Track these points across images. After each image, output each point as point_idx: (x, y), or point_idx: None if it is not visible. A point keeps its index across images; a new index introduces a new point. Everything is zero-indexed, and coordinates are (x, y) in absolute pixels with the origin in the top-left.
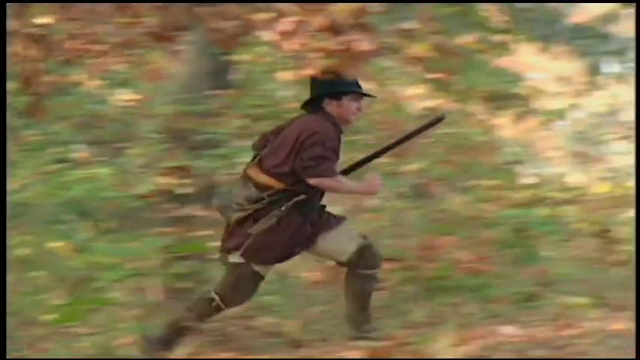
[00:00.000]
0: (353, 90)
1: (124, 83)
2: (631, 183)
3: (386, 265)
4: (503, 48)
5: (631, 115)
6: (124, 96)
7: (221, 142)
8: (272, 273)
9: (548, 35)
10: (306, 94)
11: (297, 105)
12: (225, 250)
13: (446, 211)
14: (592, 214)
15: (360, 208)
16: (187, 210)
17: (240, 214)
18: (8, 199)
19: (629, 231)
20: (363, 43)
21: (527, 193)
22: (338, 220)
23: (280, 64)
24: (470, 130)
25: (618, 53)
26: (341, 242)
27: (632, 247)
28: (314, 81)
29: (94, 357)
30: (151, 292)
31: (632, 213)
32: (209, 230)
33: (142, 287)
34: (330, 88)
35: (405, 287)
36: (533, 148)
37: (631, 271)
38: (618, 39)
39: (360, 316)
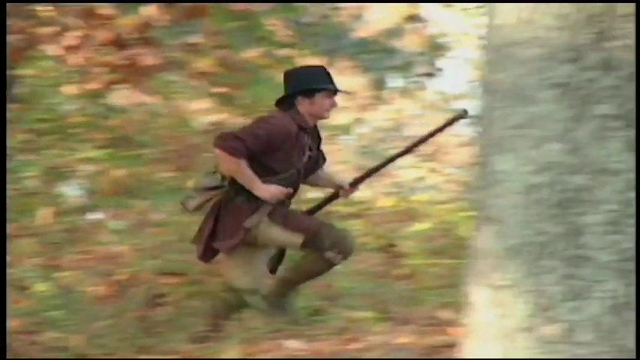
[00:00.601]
0: (325, 87)
1: None
2: (416, 197)
3: (170, 280)
4: (288, 62)
5: (416, 130)
6: None
7: None
8: (56, 288)
9: (333, 50)
10: (91, 108)
11: (83, 119)
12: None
13: None
14: (377, 228)
15: (146, 222)
16: None
17: (199, 200)
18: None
19: (414, 245)
20: (147, 58)
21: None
22: None
23: (65, 78)
24: None
25: (402, 68)
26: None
27: (417, 261)
28: (287, 77)
29: (95, 357)
30: None
31: (416, 227)
32: None
33: None
34: (303, 86)
35: (190, 302)
36: None
37: (415, 284)
38: (402, 53)
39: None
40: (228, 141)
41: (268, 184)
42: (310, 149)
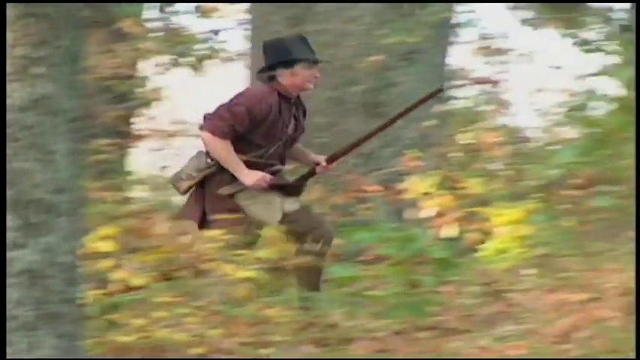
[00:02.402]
0: (305, 57)
1: None
2: None
3: None
4: None
5: None
6: None
7: None
8: None
9: None
10: None
11: None
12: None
13: None
14: None
15: None
16: None
17: (189, 183)
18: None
19: None
20: None
21: None
22: None
23: None
24: None
25: None
26: None
27: None
28: (266, 49)
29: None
30: None
31: None
32: None
33: None
34: (282, 57)
35: None
36: None
37: None
38: None
39: None
40: (211, 121)
41: (253, 171)
42: (296, 118)
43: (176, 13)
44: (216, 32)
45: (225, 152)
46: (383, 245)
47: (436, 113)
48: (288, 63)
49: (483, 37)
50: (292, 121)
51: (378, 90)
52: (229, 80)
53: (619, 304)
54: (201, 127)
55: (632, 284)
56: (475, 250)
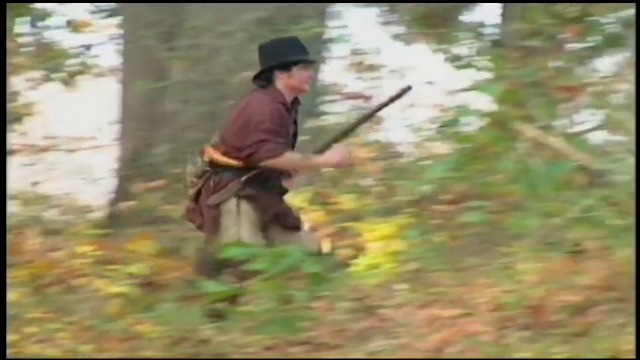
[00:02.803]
0: (302, 58)
1: None
2: None
3: None
4: None
5: None
6: None
7: None
8: None
9: None
10: None
11: None
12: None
13: None
14: None
15: None
16: None
17: (192, 190)
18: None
19: None
20: None
21: None
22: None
23: None
24: None
25: None
26: None
27: None
28: (262, 52)
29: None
30: None
31: None
32: None
33: None
34: (279, 59)
35: None
36: None
37: None
38: None
39: None
40: (261, 149)
41: (327, 154)
42: (295, 122)
43: (48, 28)
44: (87, 47)
45: (295, 162)
46: (255, 260)
47: (308, 128)
48: (286, 65)
49: (355, 53)
50: (293, 125)
51: None
52: (101, 95)
53: (490, 319)
54: (258, 160)
55: (503, 299)
56: (347, 265)
